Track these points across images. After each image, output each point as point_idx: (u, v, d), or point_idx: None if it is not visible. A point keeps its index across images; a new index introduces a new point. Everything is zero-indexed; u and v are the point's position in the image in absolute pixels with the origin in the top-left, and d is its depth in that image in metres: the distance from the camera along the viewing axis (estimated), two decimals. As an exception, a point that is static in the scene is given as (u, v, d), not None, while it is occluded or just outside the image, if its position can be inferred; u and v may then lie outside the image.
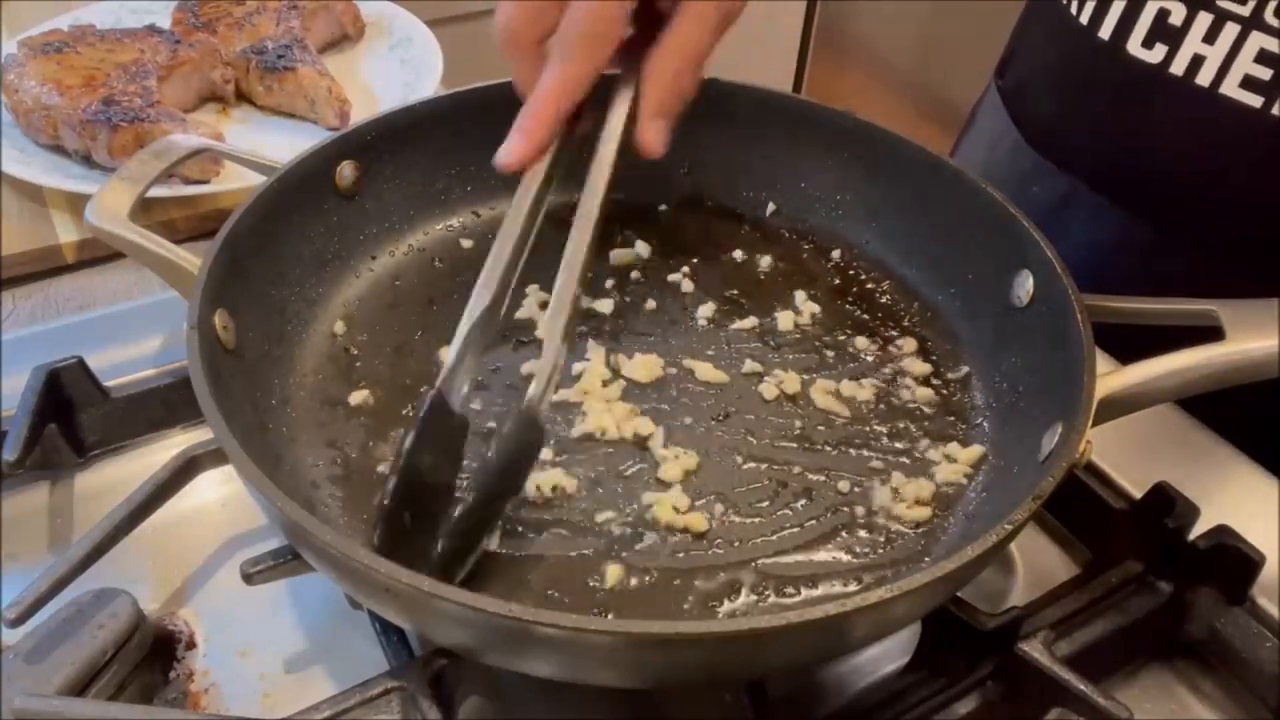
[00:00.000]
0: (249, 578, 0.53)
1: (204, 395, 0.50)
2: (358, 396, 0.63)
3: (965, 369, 0.67)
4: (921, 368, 0.67)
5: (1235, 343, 0.53)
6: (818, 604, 0.43)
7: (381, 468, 0.59)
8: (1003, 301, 0.65)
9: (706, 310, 0.71)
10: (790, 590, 0.54)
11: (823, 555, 0.56)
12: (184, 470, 0.58)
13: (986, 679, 0.53)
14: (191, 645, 0.57)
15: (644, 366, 0.65)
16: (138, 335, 0.72)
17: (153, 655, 0.54)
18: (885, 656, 0.56)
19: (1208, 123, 0.70)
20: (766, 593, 0.54)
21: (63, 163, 0.88)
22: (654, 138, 0.58)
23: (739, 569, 0.55)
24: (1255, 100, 0.67)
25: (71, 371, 0.63)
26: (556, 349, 0.52)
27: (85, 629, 0.51)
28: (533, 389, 0.51)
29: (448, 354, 0.53)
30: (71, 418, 0.64)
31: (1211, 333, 0.54)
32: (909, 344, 0.69)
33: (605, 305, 0.71)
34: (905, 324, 0.71)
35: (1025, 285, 0.63)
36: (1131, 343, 0.57)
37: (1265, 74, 0.66)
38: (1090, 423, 0.51)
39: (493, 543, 0.55)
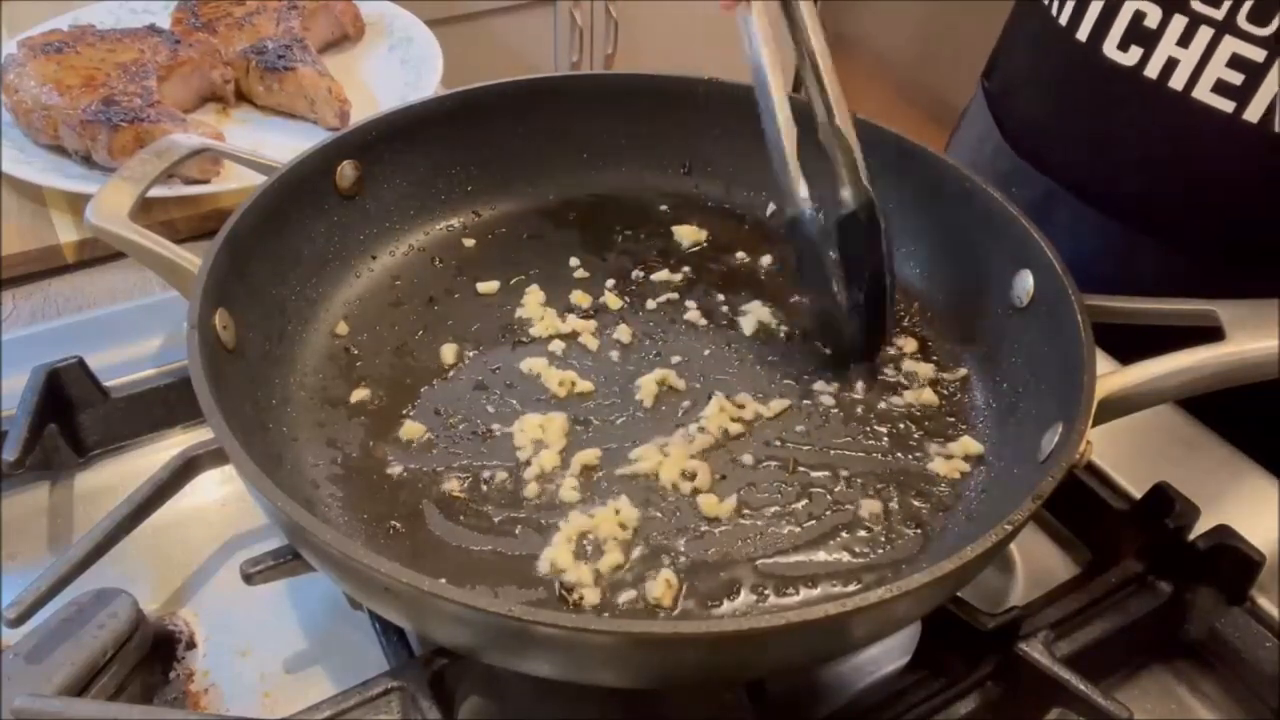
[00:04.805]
0: (249, 578, 0.53)
1: (204, 395, 0.50)
2: (358, 395, 0.64)
3: (965, 369, 0.67)
4: (922, 368, 0.67)
5: (1235, 343, 0.53)
6: (818, 604, 0.43)
7: (388, 469, 0.59)
8: (1003, 301, 0.65)
9: (706, 310, 0.71)
10: (790, 590, 0.54)
11: (823, 555, 0.56)
12: (184, 470, 0.58)
13: (986, 679, 0.53)
14: (191, 645, 0.57)
15: (646, 388, 0.65)
16: (138, 335, 0.72)
17: (153, 655, 0.55)
18: (885, 656, 0.56)
19: (1180, 126, 0.71)
20: (766, 593, 0.54)
21: (63, 163, 0.89)
22: None
23: (739, 569, 0.55)
24: (1227, 105, 0.67)
25: (71, 371, 0.63)
26: (854, 137, 0.64)
27: (85, 629, 0.51)
28: (849, 188, 0.64)
29: (790, 181, 0.64)
30: (71, 418, 0.65)
31: (1211, 333, 0.54)
32: (909, 344, 0.69)
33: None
34: (905, 324, 0.71)
35: (1025, 285, 0.63)
36: (1131, 343, 0.57)
37: (1237, 79, 0.67)
38: (1090, 423, 0.51)
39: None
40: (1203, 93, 0.68)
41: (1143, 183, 0.76)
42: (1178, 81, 0.69)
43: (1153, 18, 0.69)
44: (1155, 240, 0.75)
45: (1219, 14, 0.66)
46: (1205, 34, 0.67)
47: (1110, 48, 0.72)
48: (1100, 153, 0.78)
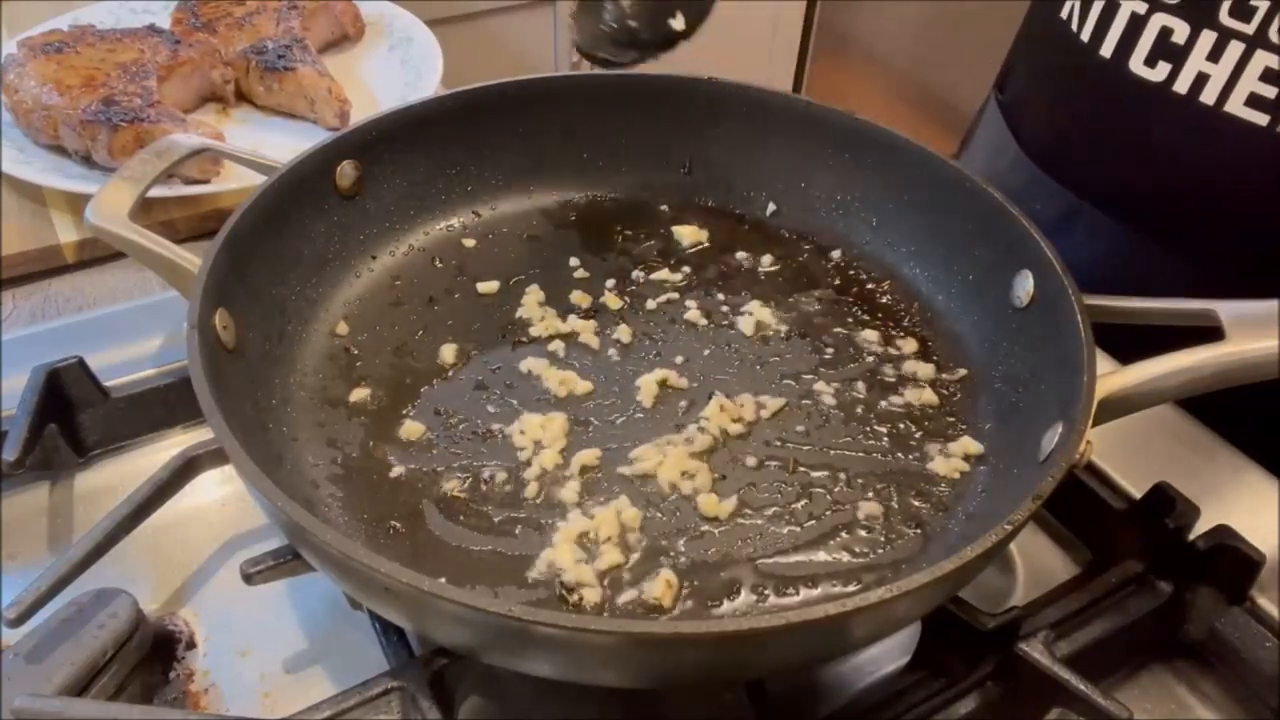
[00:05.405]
0: (249, 578, 0.53)
1: (204, 395, 0.50)
2: (358, 395, 0.64)
3: (965, 369, 0.67)
4: (922, 368, 0.67)
5: (1235, 343, 0.53)
6: (818, 604, 0.43)
7: (388, 469, 0.59)
8: (1003, 301, 0.65)
9: (707, 310, 0.71)
10: (790, 590, 0.54)
11: (823, 555, 0.56)
12: (184, 470, 0.58)
13: (986, 679, 0.53)
14: (191, 645, 0.57)
15: (646, 388, 0.65)
16: (138, 335, 0.72)
17: (153, 655, 0.55)
18: (885, 656, 0.56)
19: (1212, 141, 0.70)
20: (766, 593, 0.54)
21: (63, 163, 0.89)
22: None
23: (739, 569, 0.55)
24: (1261, 118, 0.67)
25: (71, 371, 0.63)
26: None
27: (85, 629, 0.51)
28: None
29: None
30: (71, 418, 0.65)
31: (1211, 333, 0.54)
32: (910, 344, 0.69)
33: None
34: (906, 324, 0.71)
35: (1025, 285, 0.63)
36: (1131, 343, 0.57)
37: (1271, 92, 0.66)
38: (1090, 423, 0.51)
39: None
40: (1235, 107, 0.68)
41: (1171, 196, 0.75)
42: (1209, 96, 0.69)
43: (1180, 33, 0.69)
44: (1182, 253, 0.75)
45: (1249, 28, 0.65)
46: (1236, 49, 0.66)
47: (1136, 64, 0.72)
48: (1124, 166, 0.77)
